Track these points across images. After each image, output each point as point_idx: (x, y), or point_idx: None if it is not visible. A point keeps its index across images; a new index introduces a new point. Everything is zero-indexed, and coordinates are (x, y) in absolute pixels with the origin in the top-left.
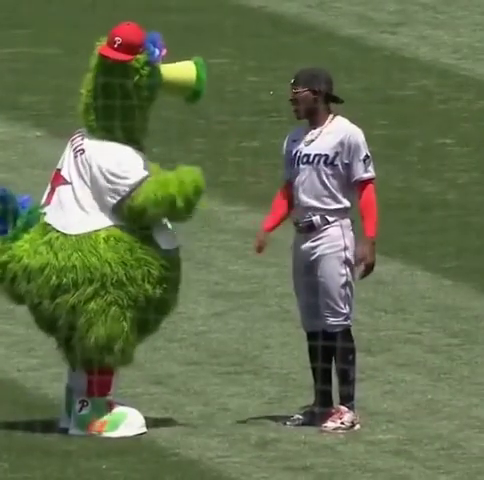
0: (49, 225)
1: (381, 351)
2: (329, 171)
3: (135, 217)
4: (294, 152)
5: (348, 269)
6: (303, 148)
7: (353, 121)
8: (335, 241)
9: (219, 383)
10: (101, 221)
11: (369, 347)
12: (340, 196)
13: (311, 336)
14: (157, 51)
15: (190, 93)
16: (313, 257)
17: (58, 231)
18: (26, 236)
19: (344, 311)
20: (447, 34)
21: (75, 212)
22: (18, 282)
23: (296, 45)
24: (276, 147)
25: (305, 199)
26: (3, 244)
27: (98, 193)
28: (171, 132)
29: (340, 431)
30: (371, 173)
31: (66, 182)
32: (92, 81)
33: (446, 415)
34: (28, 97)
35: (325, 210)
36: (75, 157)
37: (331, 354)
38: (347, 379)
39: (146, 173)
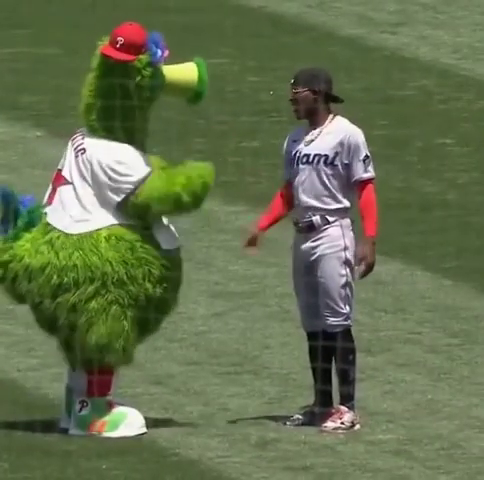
0: (50, 225)
1: (381, 351)
2: (329, 171)
3: (140, 214)
4: (294, 152)
5: (348, 269)
6: (303, 148)
7: (353, 121)
8: (335, 241)
9: (219, 383)
10: (103, 220)
11: (369, 347)
12: (340, 196)
13: (311, 336)
14: (159, 52)
15: (192, 94)
16: (313, 257)
17: (59, 230)
18: (27, 235)
19: (344, 311)
20: (447, 34)
21: (77, 212)
22: (19, 281)
23: (296, 45)
24: (276, 147)
25: (305, 199)
26: (4, 244)
27: (100, 191)
28: (171, 132)
29: (340, 431)
30: (371, 173)
31: (67, 182)
32: (94, 81)
33: (446, 415)
34: (28, 97)
35: (325, 210)
36: (76, 157)
37: (331, 354)
38: (347, 379)
39: (149, 169)
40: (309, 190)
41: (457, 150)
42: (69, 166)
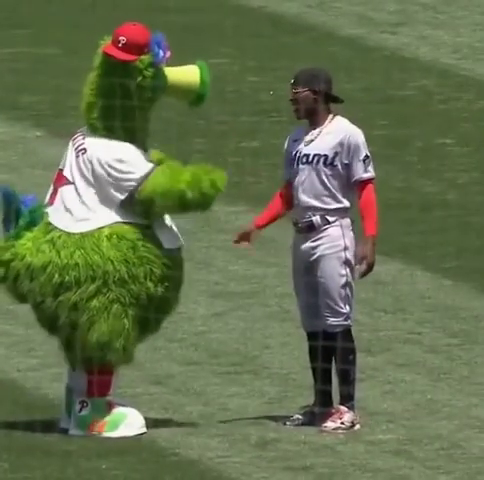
0: (52, 224)
1: (381, 351)
2: (329, 171)
3: (145, 210)
4: (294, 152)
5: (348, 269)
6: (303, 148)
7: (353, 121)
8: (335, 241)
9: (219, 383)
10: (105, 219)
11: (369, 347)
12: (340, 196)
13: (311, 336)
14: (161, 53)
15: (193, 97)
16: (313, 257)
17: (61, 229)
18: (29, 234)
19: (344, 311)
20: (447, 34)
21: (79, 211)
22: (21, 280)
23: (296, 45)
24: (276, 147)
25: (305, 199)
26: (6, 242)
27: (102, 190)
28: (171, 132)
29: (340, 431)
30: (371, 173)
31: (69, 182)
32: (95, 79)
33: (446, 415)
34: (28, 97)
35: (325, 210)
36: (77, 157)
37: (331, 354)
38: (347, 379)
39: (151, 166)
40: (309, 190)
41: (457, 150)
42: (70, 166)
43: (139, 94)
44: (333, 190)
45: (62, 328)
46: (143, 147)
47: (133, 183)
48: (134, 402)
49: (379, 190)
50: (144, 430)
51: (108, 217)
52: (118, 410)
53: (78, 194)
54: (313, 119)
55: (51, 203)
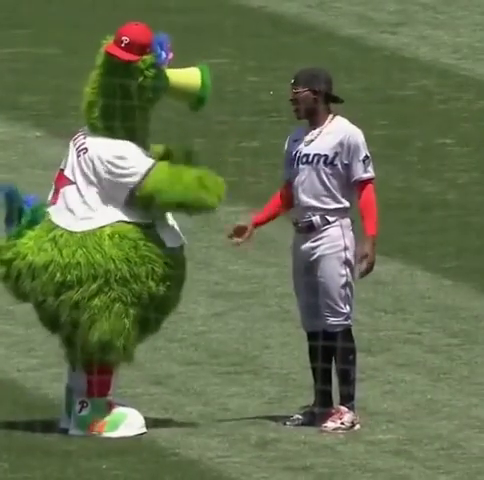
0: (54, 223)
1: (381, 351)
2: (328, 171)
3: (146, 207)
4: (294, 152)
5: (348, 269)
6: (303, 148)
7: (353, 121)
8: (335, 241)
9: (219, 383)
10: (106, 217)
11: (369, 347)
12: (339, 196)
13: (311, 336)
14: (164, 54)
15: (194, 99)
16: (313, 257)
17: (63, 228)
18: (31, 233)
19: (344, 311)
20: (447, 34)
21: (81, 210)
22: (23, 279)
23: (296, 45)
24: (276, 147)
25: (305, 199)
26: (8, 241)
27: (103, 188)
28: (171, 132)
29: (340, 431)
30: (371, 173)
31: (70, 182)
32: (97, 79)
33: (446, 415)
34: (28, 97)
35: (325, 210)
36: (78, 157)
37: (331, 354)
38: (347, 379)
39: (152, 162)
40: (309, 190)
41: (457, 150)
42: (71, 166)
43: (140, 94)
44: (333, 190)
45: (63, 327)
46: (143, 147)
47: (133, 179)
48: (134, 402)
49: (379, 190)
50: (144, 430)
51: (110, 216)
52: (118, 410)
53: (80, 194)
54: (313, 119)
55: (53, 203)
